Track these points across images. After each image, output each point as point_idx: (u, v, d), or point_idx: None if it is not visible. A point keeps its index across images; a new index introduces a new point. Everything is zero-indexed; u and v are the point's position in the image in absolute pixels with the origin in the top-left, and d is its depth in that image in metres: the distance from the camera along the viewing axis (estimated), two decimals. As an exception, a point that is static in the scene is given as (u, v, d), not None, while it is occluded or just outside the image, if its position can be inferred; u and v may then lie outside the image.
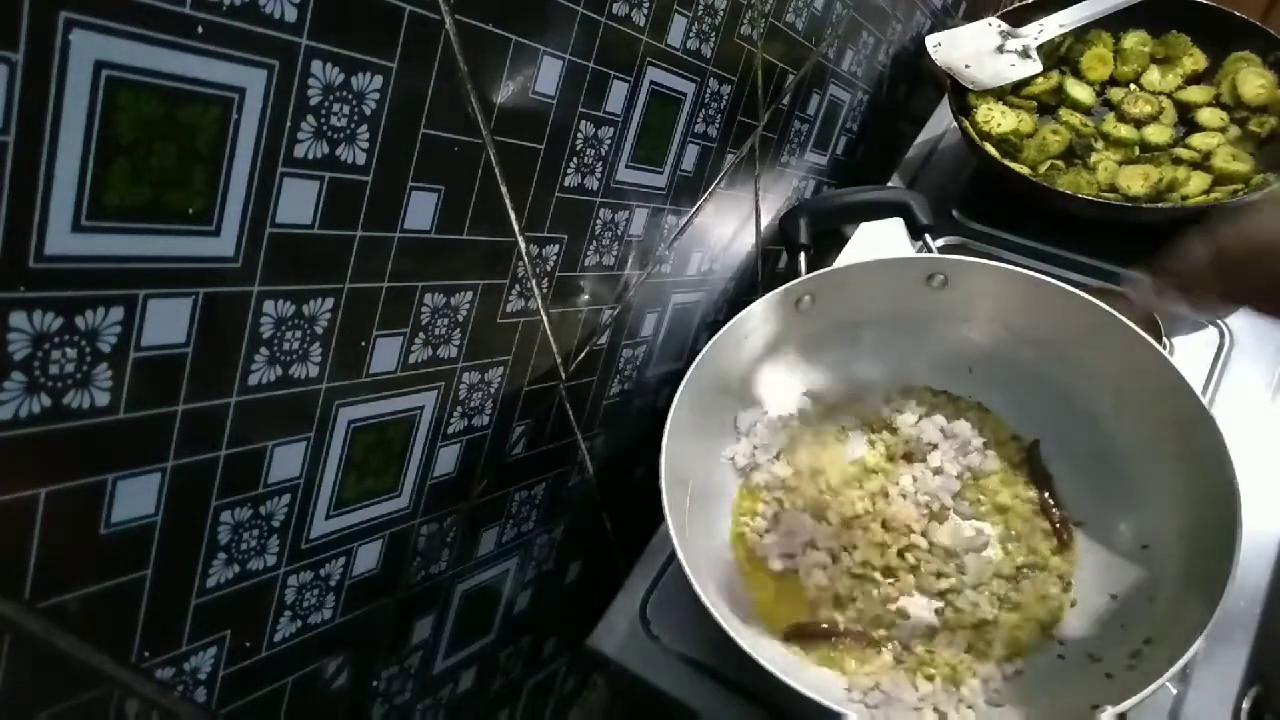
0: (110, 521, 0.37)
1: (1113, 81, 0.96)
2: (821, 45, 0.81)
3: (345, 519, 0.50)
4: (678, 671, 0.67)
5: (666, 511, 0.60)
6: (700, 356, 0.67)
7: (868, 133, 1.01)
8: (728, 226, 0.80)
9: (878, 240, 0.86)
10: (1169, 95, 0.93)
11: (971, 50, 0.95)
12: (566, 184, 0.56)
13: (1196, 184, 0.83)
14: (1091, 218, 0.84)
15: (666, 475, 0.61)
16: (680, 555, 0.58)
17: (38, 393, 0.32)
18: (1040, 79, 0.95)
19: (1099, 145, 0.90)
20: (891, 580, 0.67)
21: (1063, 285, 0.67)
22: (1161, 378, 0.63)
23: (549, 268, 0.58)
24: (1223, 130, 0.88)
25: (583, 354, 0.67)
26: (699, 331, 0.83)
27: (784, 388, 0.77)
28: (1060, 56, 0.97)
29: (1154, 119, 0.91)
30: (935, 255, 0.77)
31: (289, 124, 0.37)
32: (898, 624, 0.65)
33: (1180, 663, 0.51)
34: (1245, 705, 0.59)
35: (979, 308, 0.73)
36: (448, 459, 0.56)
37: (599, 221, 0.61)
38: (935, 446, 0.73)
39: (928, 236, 0.78)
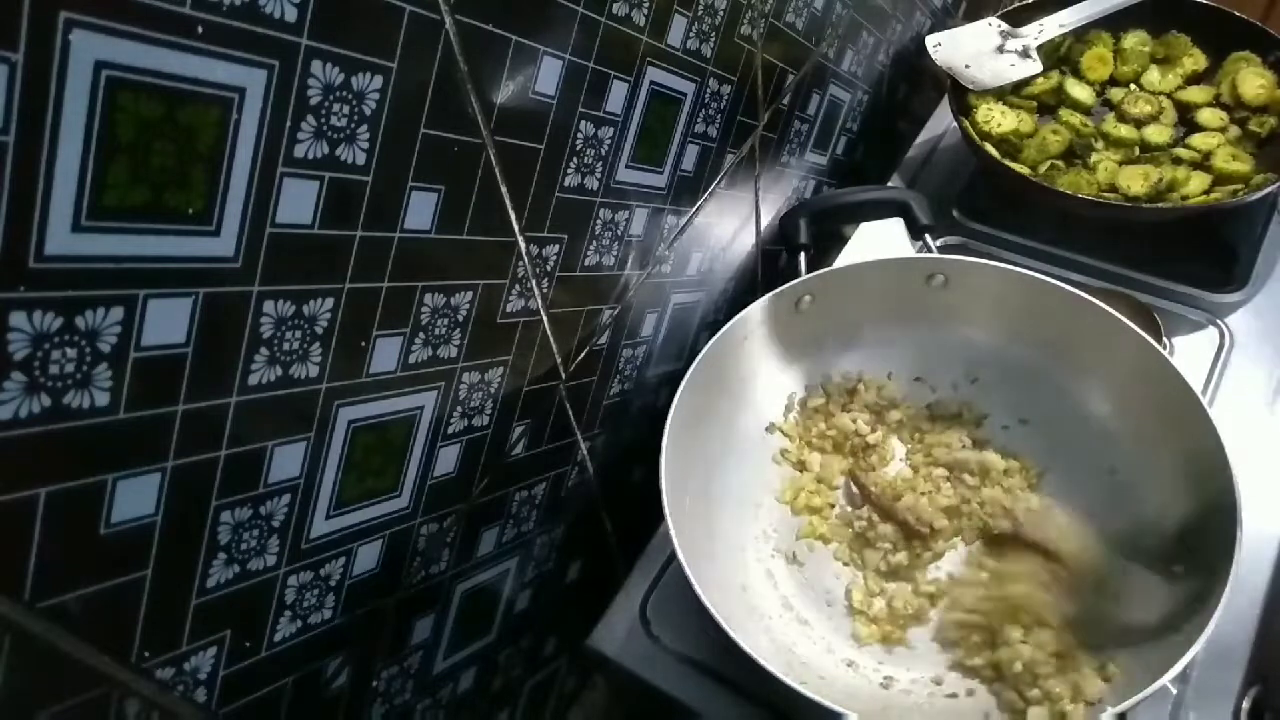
0: (110, 521, 0.37)
1: (1113, 81, 0.96)
2: (821, 45, 0.81)
3: (345, 519, 0.50)
4: (678, 671, 0.67)
5: (667, 511, 0.60)
6: (700, 356, 0.67)
7: (868, 133, 1.01)
8: (728, 226, 0.80)
9: (878, 240, 0.86)
10: (1169, 95, 0.93)
11: (971, 50, 0.95)
12: (566, 184, 0.56)
13: (1196, 184, 0.83)
14: (1091, 218, 0.83)
15: (666, 475, 0.61)
16: (680, 555, 0.58)
17: (38, 393, 0.32)
18: (1040, 79, 0.94)
19: (1099, 145, 0.90)
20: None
21: (1063, 285, 0.67)
22: (1161, 378, 0.63)
23: (549, 268, 0.58)
24: (1223, 130, 0.88)
25: (583, 354, 0.67)
26: (699, 331, 0.83)
27: (784, 388, 0.77)
28: (1060, 56, 0.97)
29: (1154, 119, 0.91)
30: (935, 255, 0.77)
31: (289, 124, 0.37)
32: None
33: (1180, 663, 0.51)
34: (1245, 705, 0.59)
35: (979, 308, 0.73)
36: (448, 459, 0.56)
37: (599, 221, 0.61)
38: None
39: (928, 236, 0.78)
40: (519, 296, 0.56)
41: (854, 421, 0.75)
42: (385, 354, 0.48)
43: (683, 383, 0.65)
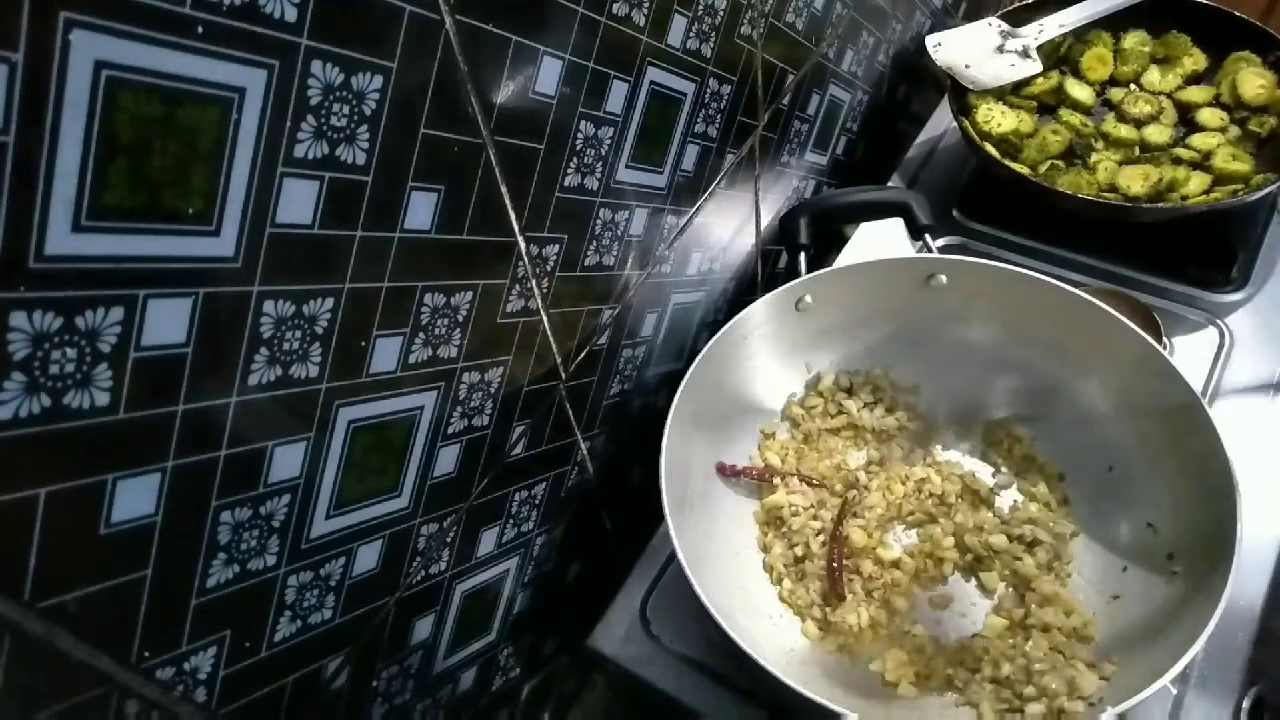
0: (110, 521, 0.37)
1: (1113, 81, 0.96)
2: (821, 45, 0.80)
3: (345, 519, 0.50)
4: (678, 671, 0.67)
5: (666, 511, 0.60)
6: (700, 356, 0.67)
7: (868, 133, 1.01)
8: (728, 226, 0.80)
9: (878, 240, 0.86)
10: (1169, 95, 0.93)
11: (971, 50, 0.95)
12: (566, 184, 0.56)
13: (1196, 184, 0.83)
14: (1091, 218, 0.83)
15: (666, 475, 0.61)
16: (680, 555, 0.58)
17: (38, 393, 0.32)
18: (1040, 79, 0.94)
19: (1099, 145, 0.90)
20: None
21: (1063, 285, 0.67)
22: (1161, 378, 0.63)
23: (549, 268, 0.58)
24: (1223, 130, 0.88)
25: (583, 354, 0.67)
26: (699, 331, 0.83)
27: (783, 388, 0.77)
28: (1060, 56, 0.97)
29: (1154, 119, 0.91)
30: (935, 255, 0.77)
31: (289, 124, 0.37)
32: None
33: (1180, 663, 0.51)
34: (1245, 705, 0.59)
35: (979, 308, 0.73)
36: (448, 459, 0.56)
37: (599, 221, 0.61)
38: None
39: (928, 236, 0.78)
40: (519, 296, 0.56)
41: (843, 417, 0.75)
42: (385, 354, 0.48)
43: (683, 383, 0.65)
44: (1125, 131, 0.89)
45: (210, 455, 0.40)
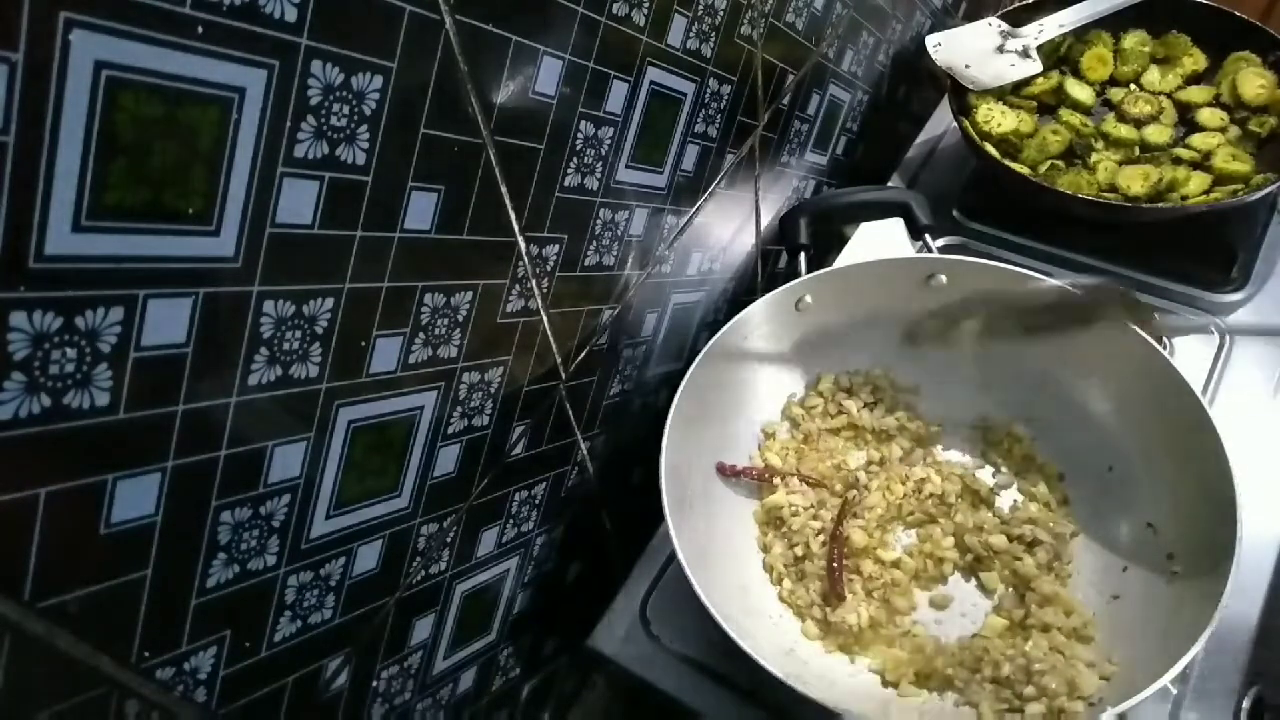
0: (110, 521, 0.37)
1: (1113, 81, 0.96)
2: (821, 45, 0.80)
3: (345, 519, 0.50)
4: (678, 671, 0.67)
5: (666, 511, 0.60)
6: (700, 356, 0.67)
7: (868, 133, 1.01)
8: (728, 226, 0.80)
9: (878, 240, 0.86)
10: (1169, 95, 0.93)
11: (971, 50, 0.95)
12: (566, 184, 0.56)
13: (1196, 184, 0.83)
14: (1091, 218, 0.84)
15: (666, 475, 0.61)
16: (680, 555, 0.58)
17: (38, 393, 0.32)
18: (1040, 79, 0.94)
19: (1099, 145, 0.90)
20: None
21: (1063, 285, 0.67)
22: (1161, 378, 0.63)
23: (549, 268, 0.58)
24: (1223, 130, 0.88)
25: (583, 354, 0.67)
26: (699, 331, 0.83)
27: (783, 388, 0.77)
28: (1060, 56, 0.97)
29: (1154, 119, 0.91)
30: (935, 255, 0.77)
31: (289, 124, 0.37)
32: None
33: (1180, 663, 0.51)
34: (1245, 705, 0.59)
35: (979, 308, 0.73)
36: (448, 459, 0.56)
37: (599, 221, 0.61)
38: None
39: (928, 236, 0.78)
40: (519, 296, 0.56)
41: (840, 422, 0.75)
42: (385, 354, 0.48)
43: (683, 383, 0.65)
44: (1125, 131, 0.89)
45: (210, 455, 0.40)
